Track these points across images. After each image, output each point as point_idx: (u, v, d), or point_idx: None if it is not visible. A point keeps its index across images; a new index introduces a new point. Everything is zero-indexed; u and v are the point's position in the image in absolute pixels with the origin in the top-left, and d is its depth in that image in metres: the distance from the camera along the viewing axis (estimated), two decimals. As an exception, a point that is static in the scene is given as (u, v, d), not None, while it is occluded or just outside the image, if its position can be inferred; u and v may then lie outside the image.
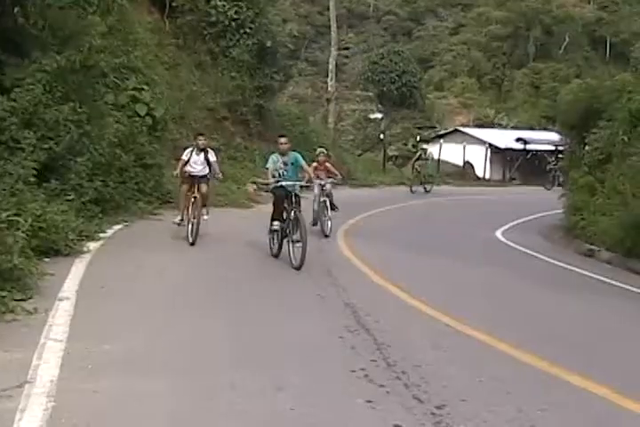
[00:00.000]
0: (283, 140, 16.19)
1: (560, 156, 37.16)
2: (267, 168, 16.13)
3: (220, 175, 18.21)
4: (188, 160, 17.28)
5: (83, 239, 15.18)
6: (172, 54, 31.56)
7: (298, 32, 65.58)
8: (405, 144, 59.21)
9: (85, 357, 7.86)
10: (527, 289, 14.20)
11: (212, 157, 17.54)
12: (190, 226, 16.44)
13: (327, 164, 21.58)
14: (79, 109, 17.77)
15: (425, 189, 39.38)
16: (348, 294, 12.33)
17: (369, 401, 7.01)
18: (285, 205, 15.20)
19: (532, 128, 65.91)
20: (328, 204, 20.13)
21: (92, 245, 15.18)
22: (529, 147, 58.30)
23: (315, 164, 20.65)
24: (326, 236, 19.25)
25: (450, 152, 56.26)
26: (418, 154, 41.93)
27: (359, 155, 50.15)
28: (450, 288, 13.50)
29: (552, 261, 18.39)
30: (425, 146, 44.20)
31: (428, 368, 8.18)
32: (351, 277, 14.16)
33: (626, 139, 21.46)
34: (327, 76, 58.21)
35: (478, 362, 8.27)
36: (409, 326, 10.11)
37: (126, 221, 19.19)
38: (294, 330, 9.55)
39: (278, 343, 8.99)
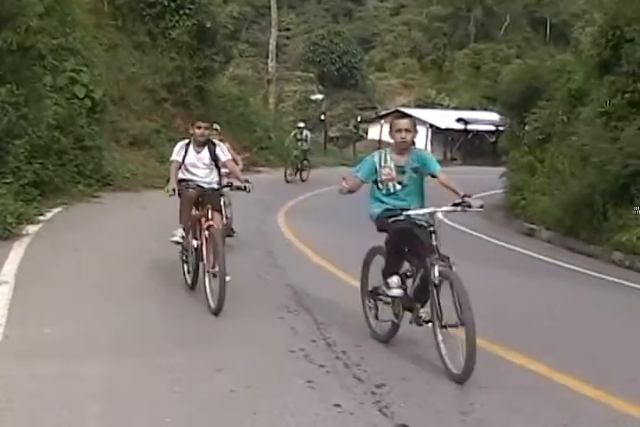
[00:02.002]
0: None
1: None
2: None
3: (248, 184, 10.43)
4: (183, 161, 10.93)
5: (21, 223, 14.96)
6: (110, 35, 31.23)
7: (238, 13, 65.51)
8: (347, 125, 59.42)
9: (24, 341, 7.79)
10: (466, 267, 14.25)
11: (223, 154, 11.10)
12: (208, 282, 9.83)
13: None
14: (16, 91, 17.55)
15: (301, 177, 32.49)
16: (288, 274, 12.37)
17: (309, 381, 7.03)
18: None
19: (472, 108, 66.41)
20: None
21: (31, 229, 15.00)
22: (470, 127, 58.80)
23: None
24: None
25: (391, 133, 56.42)
26: (292, 133, 33.52)
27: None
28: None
29: (492, 240, 18.57)
30: (301, 124, 33.99)
31: (368, 348, 8.22)
32: (291, 257, 14.19)
33: (565, 118, 21.68)
34: (268, 57, 58.10)
35: (418, 341, 8.32)
36: (349, 307, 10.12)
37: (66, 204, 18.99)
38: (234, 311, 9.55)
39: (218, 324, 8.98)
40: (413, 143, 8.39)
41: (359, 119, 62.01)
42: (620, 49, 18.47)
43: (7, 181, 16.55)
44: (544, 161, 22.44)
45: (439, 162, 8.33)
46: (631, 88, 18.11)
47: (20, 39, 17.82)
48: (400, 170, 8.22)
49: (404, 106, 68.46)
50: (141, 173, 25.11)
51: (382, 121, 57.23)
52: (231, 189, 10.95)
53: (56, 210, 18.08)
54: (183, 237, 10.60)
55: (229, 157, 11.20)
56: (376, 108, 69.71)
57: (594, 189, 17.24)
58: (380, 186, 8.31)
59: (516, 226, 21.22)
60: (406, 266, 8.17)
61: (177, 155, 10.84)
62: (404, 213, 7.94)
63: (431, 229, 7.86)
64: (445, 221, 21.27)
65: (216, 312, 9.24)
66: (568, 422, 6.45)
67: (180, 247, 10.77)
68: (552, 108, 22.46)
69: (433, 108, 68.77)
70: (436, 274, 7.52)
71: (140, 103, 31.12)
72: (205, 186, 10.71)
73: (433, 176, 8.21)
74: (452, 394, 6.95)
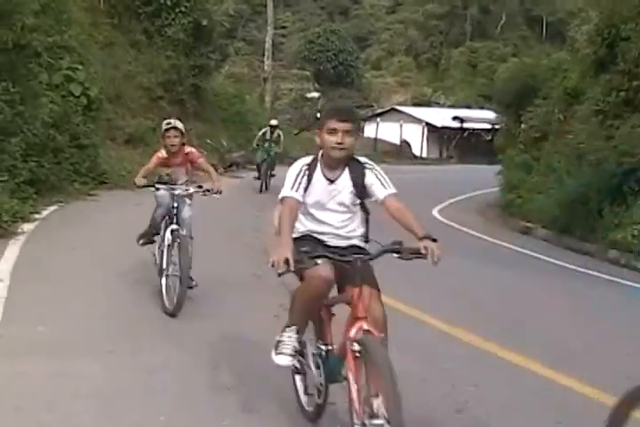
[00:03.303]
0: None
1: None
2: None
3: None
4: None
5: (17, 221, 14.95)
6: (106, 33, 31.16)
7: (234, 11, 65.23)
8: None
9: (18, 338, 7.77)
10: (462, 265, 14.25)
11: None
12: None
13: (188, 149, 10.39)
14: (12, 89, 17.54)
15: (265, 185, 26.00)
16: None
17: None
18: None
19: (468, 107, 66.46)
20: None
21: (27, 227, 14.97)
22: (466, 125, 58.82)
23: (159, 154, 10.32)
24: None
25: (387, 131, 56.53)
26: (261, 132, 27.73)
27: (296, 134, 50.01)
28: (383, 266, 13.55)
29: (488, 238, 18.59)
30: (274, 121, 28.25)
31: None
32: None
33: (561, 117, 21.76)
34: (264, 55, 58.13)
35: (410, 339, 8.32)
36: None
37: (62, 202, 18.97)
38: (229, 309, 9.56)
39: (213, 323, 8.98)
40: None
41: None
42: (615, 47, 18.52)
43: (3, 179, 16.49)
44: (540, 159, 22.51)
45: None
46: (626, 86, 18.16)
47: (15, 37, 17.78)
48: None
49: (400, 104, 68.55)
50: (137, 171, 25.02)
51: (378, 119, 57.28)
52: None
53: (52, 208, 18.05)
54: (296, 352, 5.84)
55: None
56: (372, 106, 69.67)
57: (589, 188, 17.29)
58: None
59: (511, 224, 21.25)
60: None
61: (294, 187, 5.65)
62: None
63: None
64: (440, 218, 21.55)
65: None
66: (562, 419, 6.47)
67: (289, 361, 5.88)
68: (548, 107, 22.55)
69: (429, 106, 68.82)
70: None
71: (135, 101, 31.11)
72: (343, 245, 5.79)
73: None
74: (447, 392, 6.95)
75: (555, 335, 9.50)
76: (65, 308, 9.20)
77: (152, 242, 10.47)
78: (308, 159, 5.81)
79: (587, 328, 10.23)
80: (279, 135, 27.26)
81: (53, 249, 13.09)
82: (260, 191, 25.45)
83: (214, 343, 8.16)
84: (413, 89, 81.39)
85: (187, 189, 9.98)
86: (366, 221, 5.86)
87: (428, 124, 58.57)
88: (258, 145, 27.34)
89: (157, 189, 10.04)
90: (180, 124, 10.17)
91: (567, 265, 15.43)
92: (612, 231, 16.36)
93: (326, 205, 5.69)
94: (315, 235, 5.81)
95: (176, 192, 9.87)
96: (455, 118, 59.38)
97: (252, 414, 6.17)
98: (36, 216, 16.41)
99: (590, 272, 14.79)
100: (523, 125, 24.84)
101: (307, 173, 5.69)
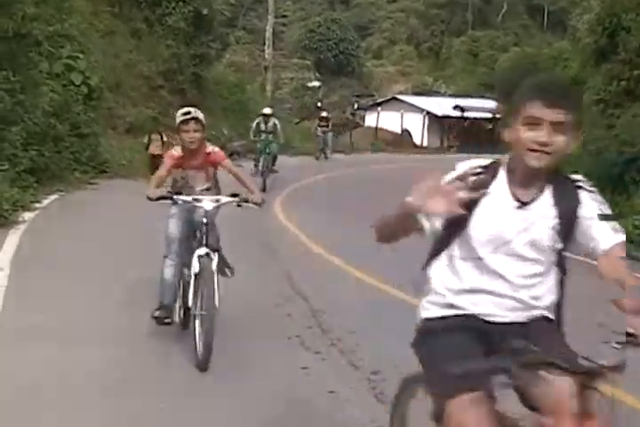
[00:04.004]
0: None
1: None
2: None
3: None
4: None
5: (17, 209, 15.00)
6: (107, 22, 31.10)
7: (235, 0, 65.12)
8: (344, 112, 59.27)
9: (19, 327, 7.79)
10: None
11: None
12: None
13: (210, 148, 7.98)
14: (12, 78, 17.55)
15: (264, 184, 21.98)
16: (285, 261, 12.39)
17: (304, 368, 7.05)
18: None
19: (469, 96, 66.22)
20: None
21: (28, 216, 15.01)
22: (466, 114, 58.67)
23: (173, 152, 7.82)
24: None
25: (388, 120, 56.41)
26: (255, 123, 25.02)
27: (296, 123, 50.01)
28: (386, 256, 13.55)
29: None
30: (267, 110, 25.54)
31: (364, 334, 8.23)
32: (289, 245, 14.21)
33: (562, 106, 21.72)
34: (264, 44, 57.95)
35: (413, 328, 8.33)
36: (345, 294, 10.16)
37: (62, 191, 19.01)
38: (230, 298, 9.57)
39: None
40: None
41: (356, 107, 61.86)
42: (616, 37, 18.50)
43: (3, 167, 16.52)
44: (540, 148, 22.50)
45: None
46: (627, 76, 18.17)
47: (16, 26, 17.79)
48: None
49: (400, 93, 68.36)
50: (138, 160, 25.07)
51: (379, 108, 57.22)
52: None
53: (52, 197, 18.08)
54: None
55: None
56: (373, 95, 69.51)
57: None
58: None
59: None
60: None
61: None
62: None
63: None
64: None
65: None
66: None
67: None
68: (549, 96, 22.52)
69: (430, 95, 68.62)
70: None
71: (136, 90, 31.07)
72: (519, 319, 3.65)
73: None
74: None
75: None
76: (65, 296, 9.21)
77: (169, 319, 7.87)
78: (483, 162, 3.64)
79: (581, 318, 10.22)
80: (275, 124, 24.53)
81: (54, 238, 13.10)
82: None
83: (215, 331, 8.16)
84: (414, 78, 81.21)
85: (217, 200, 7.57)
86: (561, 285, 3.82)
87: (428, 113, 58.39)
88: (255, 136, 24.70)
89: (175, 202, 7.58)
90: (200, 115, 7.76)
91: (567, 254, 15.40)
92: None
93: (511, 244, 3.48)
94: (467, 304, 3.60)
95: (208, 207, 7.42)
96: (456, 107, 59.19)
97: (252, 402, 6.18)
98: (37, 205, 16.45)
99: (589, 261, 14.75)
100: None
101: (477, 186, 3.43)
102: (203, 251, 7.29)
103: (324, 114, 40.60)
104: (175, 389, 6.43)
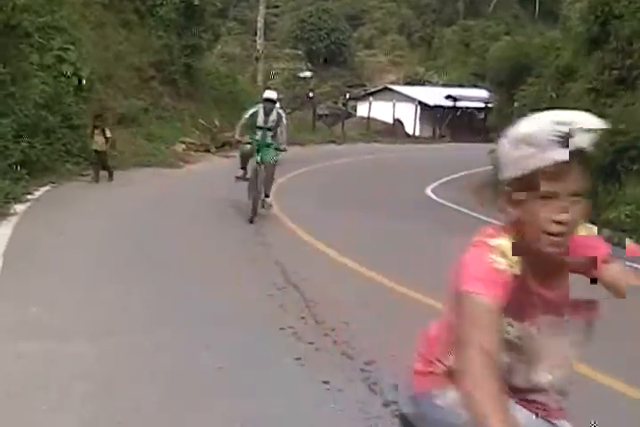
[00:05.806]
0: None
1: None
2: None
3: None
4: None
5: (9, 202, 15.00)
6: (98, 13, 30.96)
7: (226, -10, 64.97)
8: (335, 102, 59.26)
9: (10, 320, 7.77)
10: (457, 245, 14.22)
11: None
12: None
13: None
14: (3, 70, 17.54)
15: (254, 210, 15.14)
16: (276, 252, 12.36)
17: (297, 358, 7.04)
18: None
19: (461, 85, 66.18)
20: None
21: (19, 208, 14.97)
22: (458, 104, 58.73)
23: None
24: None
25: (379, 110, 56.35)
26: (250, 112, 16.17)
27: (288, 113, 49.99)
28: (379, 246, 13.56)
29: (481, 216, 18.57)
30: (271, 93, 16.55)
31: (357, 325, 8.23)
32: (280, 235, 14.17)
33: (554, 95, 21.70)
34: (256, 34, 57.82)
35: (407, 318, 8.33)
36: (338, 284, 10.15)
37: (54, 183, 18.95)
38: (222, 288, 9.56)
39: (206, 302, 8.95)
40: None
41: (348, 97, 61.86)
42: (608, 25, 18.49)
43: (-6, 160, 16.53)
44: (533, 138, 22.51)
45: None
46: (620, 65, 18.16)
47: (5, 17, 17.75)
48: None
49: (392, 83, 68.36)
50: (129, 152, 25.04)
51: (371, 98, 57.17)
52: None
53: (44, 189, 18.03)
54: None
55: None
56: (365, 85, 69.56)
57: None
58: None
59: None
60: None
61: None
62: None
63: None
64: (434, 197, 21.55)
65: None
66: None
67: None
68: (540, 85, 22.53)
69: (422, 85, 68.57)
70: None
71: (127, 81, 30.95)
72: None
73: None
74: (440, 371, 6.96)
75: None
76: (58, 289, 9.20)
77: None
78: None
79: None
80: (279, 118, 16.25)
81: (46, 230, 13.08)
82: (251, 221, 15.02)
83: (207, 323, 8.14)
84: (406, 68, 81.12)
85: None
86: None
87: (420, 102, 58.40)
88: (243, 135, 16.71)
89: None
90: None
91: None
92: (606, 210, 16.35)
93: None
94: None
95: None
96: (448, 97, 59.20)
97: (245, 393, 6.17)
98: (29, 197, 16.42)
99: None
100: (516, 104, 24.86)
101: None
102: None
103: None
104: (174, 384, 6.42)
